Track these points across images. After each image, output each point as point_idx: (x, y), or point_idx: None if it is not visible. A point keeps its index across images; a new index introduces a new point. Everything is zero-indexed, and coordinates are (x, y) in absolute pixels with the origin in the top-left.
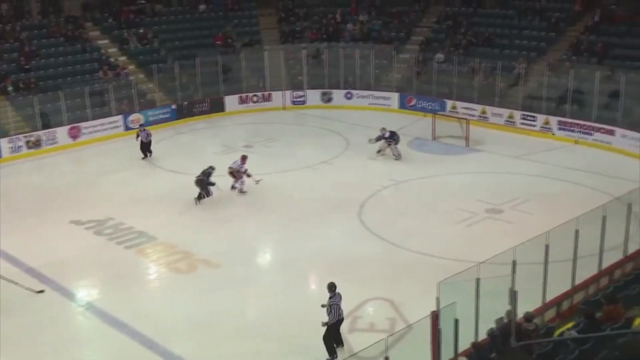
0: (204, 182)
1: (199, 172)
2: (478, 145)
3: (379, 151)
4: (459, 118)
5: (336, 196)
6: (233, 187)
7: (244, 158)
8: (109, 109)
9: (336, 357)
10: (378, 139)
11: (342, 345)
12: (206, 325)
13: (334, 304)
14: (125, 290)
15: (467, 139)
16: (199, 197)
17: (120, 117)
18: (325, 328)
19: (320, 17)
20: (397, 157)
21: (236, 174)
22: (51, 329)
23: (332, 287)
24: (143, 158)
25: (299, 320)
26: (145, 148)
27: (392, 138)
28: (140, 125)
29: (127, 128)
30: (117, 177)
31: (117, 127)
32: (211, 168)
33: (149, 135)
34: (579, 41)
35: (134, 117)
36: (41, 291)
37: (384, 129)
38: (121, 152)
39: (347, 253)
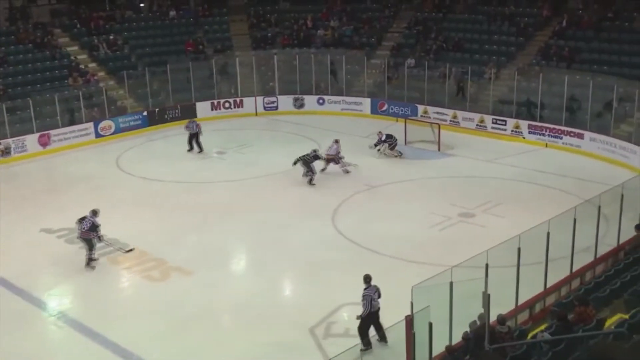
0: (309, 161)
1: (302, 154)
2: (450, 150)
3: (378, 150)
4: (430, 123)
5: (310, 201)
6: (323, 170)
7: (337, 142)
8: (79, 116)
9: (369, 348)
10: (377, 143)
11: (385, 341)
12: (180, 333)
13: (367, 295)
14: (97, 299)
15: (439, 143)
16: (310, 180)
17: (90, 124)
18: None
19: (291, 23)
20: (399, 155)
21: (336, 158)
22: (23, 339)
23: (366, 278)
24: (188, 150)
25: (273, 325)
26: (193, 140)
27: (388, 140)
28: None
29: (98, 135)
30: (88, 184)
31: (87, 134)
32: (314, 151)
33: (197, 126)
34: (547, 46)
35: (104, 124)
36: (130, 250)
37: (380, 132)
38: (92, 159)
39: (321, 258)
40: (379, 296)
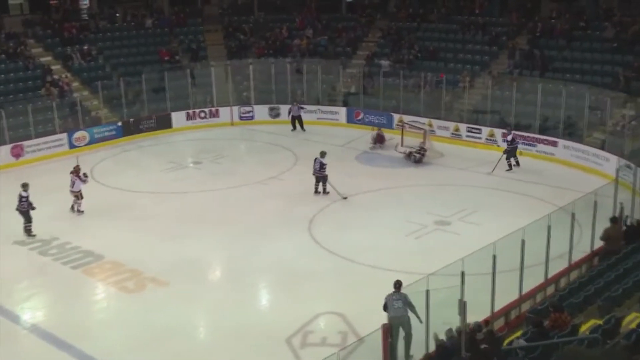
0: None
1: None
2: (426, 158)
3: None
4: (420, 128)
5: (286, 211)
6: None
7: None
8: (53, 126)
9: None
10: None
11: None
12: (155, 344)
13: (388, 299)
14: (71, 312)
15: (431, 149)
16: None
17: (64, 135)
18: None
19: (266, 32)
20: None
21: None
22: None
23: (394, 284)
24: (292, 130)
25: (249, 336)
26: (296, 121)
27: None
28: (294, 101)
29: (72, 146)
30: (62, 196)
31: (61, 145)
32: (322, 154)
33: (300, 109)
34: (520, 54)
35: (78, 135)
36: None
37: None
38: (66, 170)
39: (297, 268)
40: (407, 304)
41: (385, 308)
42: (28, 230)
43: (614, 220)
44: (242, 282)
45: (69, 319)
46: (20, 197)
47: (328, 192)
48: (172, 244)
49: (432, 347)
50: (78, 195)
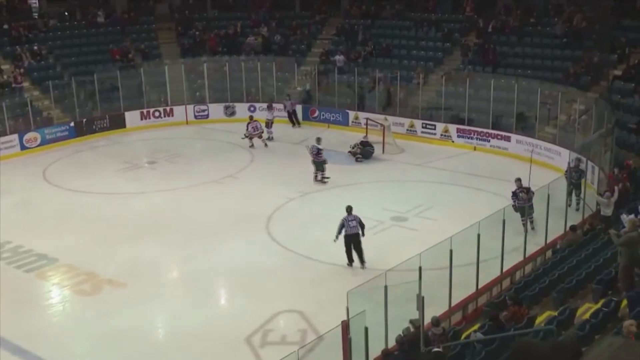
0: (317, 160)
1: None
2: (381, 155)
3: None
4: (379, 124)
5: (243, 210)
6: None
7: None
8: (4, 127)
9: (350, 264)
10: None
11: (363, 265)
12: (113, 348)
13: (342, 219)
14: (26, 316)
15: (390, 143)
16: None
17: (15, 136)
18: None
19: (220, 30)
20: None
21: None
22: None
23: (347, 208)
24: (293, 126)
25: (209, 337)
26: (292, 117)
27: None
28: (288, 95)
29: (23, 147)
30: (13, 198)
31: (12, 146)
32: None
33: (293, 105)
34: (473, 51)
35: (29, 136)
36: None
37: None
38: (18, 172)
39: (256, 266)
40: (359, 224)
41: (341, 229)
42: None
43: (573, 228)
44: (200, 282)
45: (23, 324)
46: None
47: (329, 178)
48: (128, 245)
49: (391, 343)
50: None
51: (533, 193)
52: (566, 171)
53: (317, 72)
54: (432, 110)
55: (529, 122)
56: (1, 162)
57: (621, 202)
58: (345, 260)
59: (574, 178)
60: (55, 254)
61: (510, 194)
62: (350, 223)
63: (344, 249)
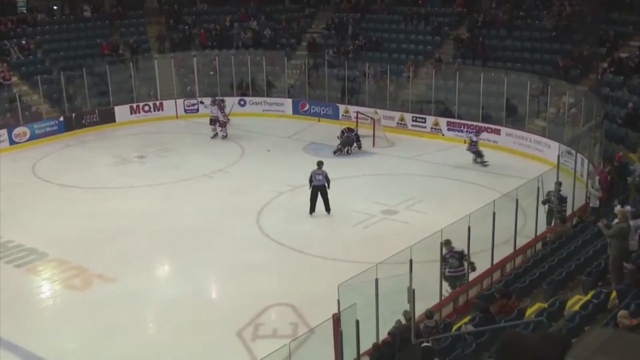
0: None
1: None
2: (371, 148)
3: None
4: (370, 117)
5: (234, 204)
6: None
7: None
8: None
9: (311, 214)
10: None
11: (327, 211)
12: (105, 342)
13: (312, 174)
14: (16, 311)
15: (380, 137)
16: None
17: (4, 131)
18: None
19: (209, 24)
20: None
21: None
22: None
23: (318, 163)
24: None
25: (200, 330)
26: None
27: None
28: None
29: (12, 142)
30: (3, 193)
31: (1, 141)
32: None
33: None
34: (463, 44)
35: (19, 130)
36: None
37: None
38: (7, 167)
39: (247, 260)
40: (325, 178)
41: (311, 181)
42: None
43: (562, 220)
44: (190, 276)
45: (14, 318)
46: None
47: (361, 144)
48: (118, 240)
49: (382, 336)
50: None
51: (473, 265)
52: (546, 195)
53: (307, 66)
54: (422, 103)
55: (518, 115)
56: None
57: (609, 195)
58: (336, 253)
59: (555, 204)
60: (45, 249)
61: (444, 252)
62: (317, 177)
63: (334, 241)
